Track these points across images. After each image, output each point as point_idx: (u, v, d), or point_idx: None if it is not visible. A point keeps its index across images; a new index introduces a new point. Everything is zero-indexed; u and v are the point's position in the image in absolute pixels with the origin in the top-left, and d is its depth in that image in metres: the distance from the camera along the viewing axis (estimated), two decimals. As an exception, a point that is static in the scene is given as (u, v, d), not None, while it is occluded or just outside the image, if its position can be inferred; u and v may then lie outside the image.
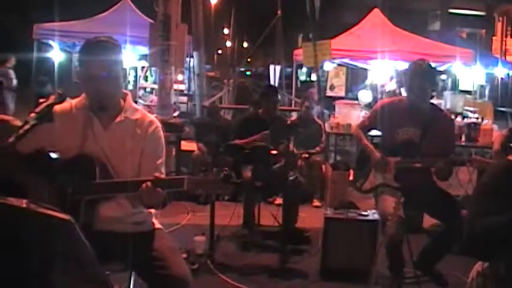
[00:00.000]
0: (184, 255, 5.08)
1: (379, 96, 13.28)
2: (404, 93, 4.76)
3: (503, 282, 2.33)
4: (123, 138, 3.02)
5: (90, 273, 2.00)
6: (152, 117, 3.21)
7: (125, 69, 3.14)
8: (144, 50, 10.96)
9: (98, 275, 2.05)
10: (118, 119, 3.04)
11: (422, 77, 4.52)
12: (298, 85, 20.91)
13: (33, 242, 1.92)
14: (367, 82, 16.42)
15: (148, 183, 2.76)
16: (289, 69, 20.11)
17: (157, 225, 3.22)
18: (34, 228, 1.94)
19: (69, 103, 3.12)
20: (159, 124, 3.18)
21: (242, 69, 28.80)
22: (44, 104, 2.68)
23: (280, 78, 18.84)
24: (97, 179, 2.86)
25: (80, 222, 2.79)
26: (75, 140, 2.97)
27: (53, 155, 2.93)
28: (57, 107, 3.07)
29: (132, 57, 13.71)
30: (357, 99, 13.83)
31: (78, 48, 9.09)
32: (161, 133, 3.16)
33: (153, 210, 3.18)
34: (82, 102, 3.06)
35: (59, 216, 1.95)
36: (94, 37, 3.01)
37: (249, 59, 32.77)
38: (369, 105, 12.24)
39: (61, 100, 2.80)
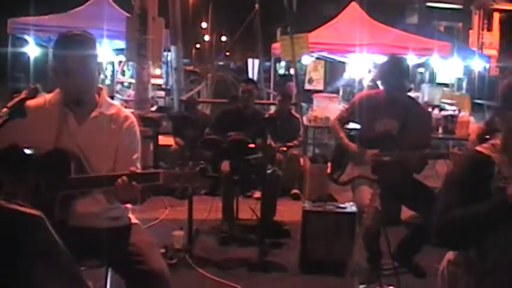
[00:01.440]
0: (163, 250, 5.06)
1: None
2: (380, 86, 4.78)
3: (475, 270, 2.35)
4: (98, 134, 2.99)
5: (63, 268, 1.98)
6: (127, 112, 3.18)
7: (100, 63, 3.09)
8: (121, 44, 10.86)
9: (70, 271, 2.03)
10: (93, 114, 3.00)
11: (397, 74, 4.55)
12: (277, 79, 20.89)
13: (3, 238, 1.89)
14: (346, 75, 16.48)
15: (124, 177, 2.73)
16: (267, 63, 20.09)
17: (134, 220, 3.20)
18: (4, 224, 1.91)
19: (43, 98, 3.08)
20: (134, 119, 3.15)
21: (221, 63, 28.74)
22: (16, 99, 2.64)
23: (258, 72, 18.83)
24: (72, 174, 2.83)
25: (55, 218, 2.75)
26: (50, 136, 2.93)
27: (27, 151, 2.88)
28: (30, 102, 3.02)
29: (109, 51, 13.59)
30: (336, 92, 13.87)
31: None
32: (137, 128, 3.13)
33: (129, 205, 3.16)
34: (56, 97, 3.02)
35: (30, 212, 1.92)
36: (68, 31, 2.97)
37: (227, 53, 32.71)
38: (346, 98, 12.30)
39: (34, 95, 2.76)
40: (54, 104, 3.00)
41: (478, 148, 2.41)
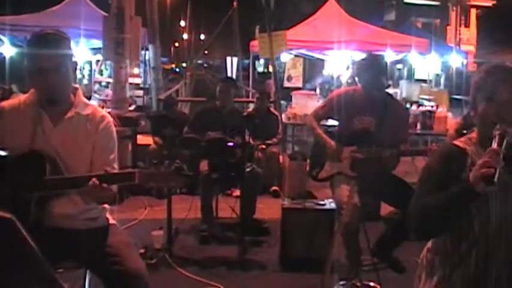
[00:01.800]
0: (142, 251, 5.05)
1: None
2: (358, 84, 4.79)
3: (450, 257, 2.39)
4: (74, 134, 2.96)
5: (36, 271, 1.95)
6: (103, 112, 3.16)
7: (75, 62, 3.06)
8: (99, 43, 10.78)
9: (44, 273, 2.00)
10: (68, 114, 2.98)
11: (375, 72, 4.57)
12: (256, 76, 20.89)
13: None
14: (324, 72, 16.52)
15: (95, 179, 2.70)
16: (246, 61, 20.08)
17: (111, 220, 3.18)
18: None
19: (17, 99, 3.06)
20: (110, 119, 3.12)
21: (200, 61, 28.67)
22: (-11, 101, 2.60)
23: (237, 70, 18.81)
24: (47, 176, 2.80)
25: (31, 219, 2.73)
26: (24, 137, 2.90)
27: (1, 152, 2.85)
28: (4, 103, 3.00)
29: (86, 51, 13.49)
30: (314, 90, 13.91)
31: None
32: (113, 128, 3.11)
33: (107, 206, 3.14)
34: (31, 98, 2.99)
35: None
36: (41, 30, 2.94)
37: (206, 51, 32.64)
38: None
39: (7, 96, 2.73)
40: (29, 105, 2.97)
41: (455, 141, 2.46)
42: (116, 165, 3.02)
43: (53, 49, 2.83)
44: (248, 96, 14.48)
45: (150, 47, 12.91)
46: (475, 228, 2.30)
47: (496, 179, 2.03)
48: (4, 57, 13.55)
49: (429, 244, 2.55)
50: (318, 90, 13.86)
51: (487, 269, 2.31)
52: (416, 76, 21.35)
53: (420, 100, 13.64)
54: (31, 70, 2.87)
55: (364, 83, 4.65)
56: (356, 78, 4.93)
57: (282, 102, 11.06)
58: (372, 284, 4.49)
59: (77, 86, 3.13)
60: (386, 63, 4.81)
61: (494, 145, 2.16)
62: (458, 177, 2.29)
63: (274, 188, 7.87)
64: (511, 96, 2.30)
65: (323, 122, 5.18)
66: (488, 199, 2.25)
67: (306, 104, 9.94)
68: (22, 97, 3.02)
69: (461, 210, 2.25)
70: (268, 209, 6.72)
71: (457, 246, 2.36)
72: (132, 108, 10.50)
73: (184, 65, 28.14)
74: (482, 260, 2.31)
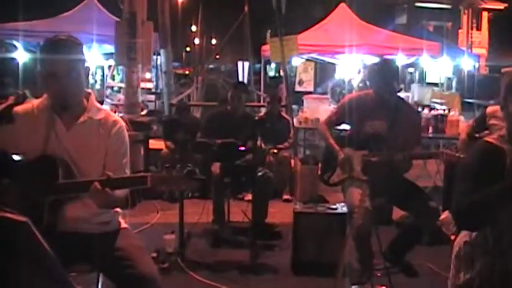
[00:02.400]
0: (154, 255, 5.06)
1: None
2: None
3: (491, 250, 2.54)
4: (87, 139, 2.98)
5: (51, 274, 1.97)
6: (116, 116, 3.18)
7: (88, 67, 3.08)
8: (111, 48, 10.83)
9: (59, 276, 2.02)
10: (81, 119, 2.99)
11: (386, 76, 4.57)
12: (267, 81, 20.89)
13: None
14: (336, 76, 16.49)
15: (96, 183, 2.71)
16: (258, 65, 20.10)
17: (124, 224, 3.19)
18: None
19: (30, 104, 3.08)
20: (123, 123, 3.14)
21: (211, 66, 28.71)
22: (3, 105, 2.64)
23: (248, 74, 18.81)
24: (60, 180, 2.82)
25: (44, 223, 2.74)
26: (38, 141, 2.92)
27: (15, 157, 2.87)
28: (18, 108, 3.02)
29: (98, 56, 13.55)
30: (325, 94, 13.90)
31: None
32: (125, 132, 3.12)
33: (119, 210, 3.15)
34: (44, 103, 3.01)
35: (15, 218, 1.91)
36: (54, 35, 2.97)
37: (217, 56, 32.67)
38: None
39: (21, 101, 2.76)
40: (42, 110, 2.98)
41: (488, 139, 2.61)
42: (127, 170, 3.04)
43: (65, 54, 2.86)
44: (259, 101, 14.49)
45: (162, 51, 12.98)
46: None
47: None
48: (17, 63, 13.63)
49: (465, 237, 2.69)
50: (329, 95, 13.83)
51: None
52: (428, 79, 21.26)
53: (432, 104, 13.58)
54: (44, 75, 2.89)
55: (376, 87, 4.65)
56: (367, 82, 4.93)
57: (294, 106, 11.06)
58: (384, 288, 4.49)
59: (89, 90, 3.15)
60: (397, 67, 4.82)
61: None
62: (498, 175, 2.45)
63: (286, 196, 7.85)
64: None
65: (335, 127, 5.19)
66: None
67: (317, 108, 9.92)
68: (35, 102, 3.05)
69: (508, 204, 2.43)
70: (280, 213, 6.72)
71: (498, 239, 2.52)
72: (144, 112, 10.54)
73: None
74: None
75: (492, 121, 4.92)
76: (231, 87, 6.91)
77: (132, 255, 2.95)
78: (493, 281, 2.53)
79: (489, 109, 5.11)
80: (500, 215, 2.47)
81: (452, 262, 2.75)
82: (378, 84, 4.63)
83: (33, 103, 3.05)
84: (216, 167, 5.87)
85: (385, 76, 4.58)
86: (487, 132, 4.72)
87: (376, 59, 12.55)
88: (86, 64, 3.04)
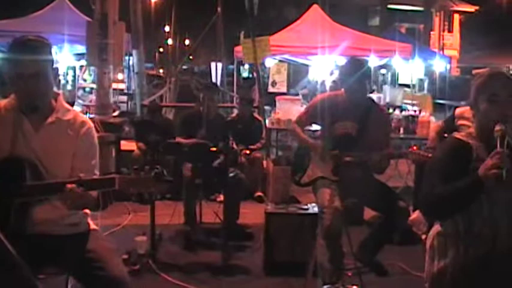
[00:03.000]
0: (126, 256, 5.03)
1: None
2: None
3: (463, 238, 2.74)
4: (55, 140, 2.95)
5: (15, 275, 1.94)
6: (85, 117, 3.15)
7: (57, 68, 3.06)
8: (82, 49, 10.75)
9: (24, 279, 1.99)
10: (49, 119, 2.97)
11: (358, 76, 4.58)
12: (241, 82, 20.89)
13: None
14: (311, 78, 16.53)
15: (73, 184, 2.70)
16: (231, 66, 20.08)
17: (93, 226, 3.17)
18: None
19: None
20: (91, 124, 3.12)
21: (184, 67, 28.60)
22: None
23: (222, 75, 18.78)
24: (28, 181, 2.79)
25: (11, 225, 2.71)
26: (5, 142, 2.89)
27: None
28: (-15, 109, 2.98)
29: (69, 56, 13.43)
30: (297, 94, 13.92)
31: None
32: (94, 133, 3.10)
33: (88, 211, 3.13)
34: (11, 103, 2.97)
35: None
36: (21, 36, 2.94)
37: (191, 57, 32.55)
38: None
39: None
40: (9, 110, 2.95)
41: (457, 136, 2.83)
42: (97, 171, 3.01)
43: (33, 55, 2.83)
44: (232, 102, 14.49)
45: (134, 52, 12.92)
46: (484, 211, 2.67)
47: (504, 177, 2.45)
48: (-14, 63, 13.43)
49: (438, 228, 2.88)
50: (300, 96, 13.86)
51: (496, 244, 2.67)
52: (400, 81, 21.41)
53: (403, 105, 13.71)
54: (11, 76, 2.86)
55: (347, 87, 4.67)
56: (338, 83, 4.96)
57: (266, 107, 11.07)
58: (355, 287, 4.51)
59: (58, 91, 3.13)
60: (369, 68, 4.84)
61: (498, 146, 2.54)
62: (465, 169, 2.66)
63: (258, 193, 7.87)
64: (510, 98, 2.71)
65: (307, 128, 5.19)
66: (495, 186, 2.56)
67: (289, 109, 9.93)
68: (2, 102, 3.01)
69: (473, 197, 2.63)
70: (251, 214, 6.71)
71: (468, 227, 2.71)
72: (116, 114, 10.48)
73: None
74: (492, 237, 2.68)
75: (461, 122, 4.98)
76: (202, 88, 6.88)
77: (102, 257, 2.93)
78: (466, 267, 2.70)
79: (458, 110, 5.17)
80: (467, 204, 2.67)
81: (427, 253, 2.92)
82: (349, 83, 4.64)
83: (0, 103, 3.02)
84: (187, 169, 5.86)
85: (357, 76, 4.59)
86: (455, 132, 4.78)
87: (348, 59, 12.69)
88: (55, 65, 3.02)
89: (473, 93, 2.81)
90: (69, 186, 2.69)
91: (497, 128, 2.61)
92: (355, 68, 4.64)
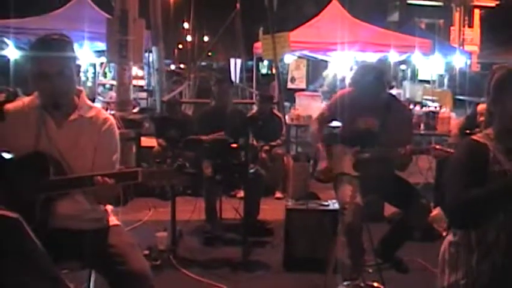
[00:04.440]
0: (147, 252, 5.05)
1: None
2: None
3: (476, 248, 2.51)
4: (78, 136, 2.98)
5: (42, 270, 1.97)
6: (107, 114, 3.18)
7: (79, 65, 3.09)
8: (102, 46, 10.80)
9: (50, 273, 2.02)
10: (72, 117, 2.99)
11: (368, 82, 4.58)
12: (260, 78, 20.90)
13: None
14: (324, 74, 16.47)
15: (99, 177, 2.73)
16: (250, 63, 20.08)
17: (115, 221, 3.19)
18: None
19: (21, 102, 3.07)
20: (113, 121, 3.14)
21: (203, 63, 28.68)
22: (-6, 103, 2.62)
23: (241, 71, 18.80)
24: (51, 177, 2.82)
25: (36, 220, 2.75)
26: (29, 139, 2.92)
27: (6, 155, 2.87)
28: (9, 106, 3.02)
29: (90, 53, 13.52)
30: (316, 91, 13.89)
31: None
32: (115, 129, 3.13)
33: (110, 207, 3.16)
34: (34, 101, 3.00)
35: (6, 214, 1.92)
36: (45, 34, 2.97)
37: (209, 53, 32.66)
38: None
39: (12, 98, 2.75)
40: (33, 108, 2.98)
41: (473, 137, 2.62)
42: (117, 167, 3.04)
43: (56, 53, 2.86)
44: (252, 98, 14.49)
45: (154, 49, 12.96)
46: (500, 217, 2.44)
47: None
48: (8, 60, 13.55)
49: (450, 238, 2.67)
50: (320, 93, 13.83)
51: None
52: (420, 77, 21.33)
53: (424, 101, 13.65)
54: (35, 74, 2.89)
55: (360, 89, 4.68)
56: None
57: (286, 103, 11.07)
58: (375, 284, 4.49)
59: (80, 88, 3.15)
60: (381, 71, 4.79)
61: None
62: (483, 171, 2.47)
63: (278, 195, 7.87)
64: None
65: (328, 124, 5.19)
66: None
67: (309, 105, 9.93)
68: (26, 100, 3.04)
69: (506, 204, 2.42)
70: (272, 210, 6.72)
71: (482, 236, 2.48)
72: (136, 110, 10.51)
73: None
74: (508, 249, 2.44)
75: (483, 118, 4.95)
76: (215, 83, 6.89)
77: (124, 251, 2.95)
78: (479, 281, 2.50)
79: (480, 107, 5.13)
80: (499, 211, 2.47)
81: (439, 266, 2.73)
82: (360, 88, 4.66)
83: (23, 101, 3.05)
84: (207, 166, 5.87)
85: (365, 81, 4.60)
86: (477, 129, 4.75)
87: (368, 56, 12.66)
88: (77, 62, 3.05)
89: (495, 89, 2.58)
90: (100, 178, 2.72)
91: None
92: (364, 73, 4.65)
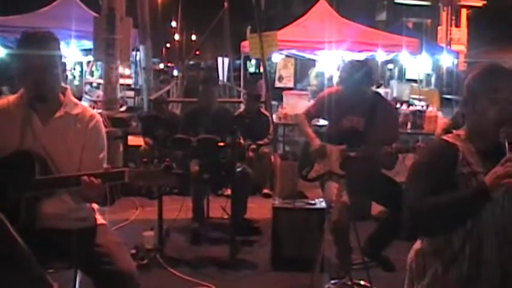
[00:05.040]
0: (133, 251, 5.03)
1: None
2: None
3: (442, 256, 2.40)
4: (64, 134, 2.96)
5: (25, 268, 1.96)
6: (93, 111, 3.16)
7: (64, 63, 3.08)
8: (90, 44, 10.75)
9: (33, 271, 2.00)
10: (57, 114, 2.98)
11: (357, 79, 4.59)
12: (247, 77, 20.87)
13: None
14: (309, 71, 16.47)
15: (90, 176, 2.72)
16: (238, 61, 20.08)
17: (101, 220, 3.17)
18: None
19: (6, 99, 3.05)
20: (100, 118, 3.13)
21: (191, 62, 28.63)
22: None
23: (228, 70, 18.79)
24: (37, 176, 2.80)
25: (21, 220, 2.73)
26: (14, 137, 2.90)
27: None
28: (-7, 104, 2.99)
29: (77, 52, 13.45)
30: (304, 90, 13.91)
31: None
32: (102, 127, 3.12)
33: (96, 206, 3.14)
34: (20, 98, 2.98)
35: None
36: (30, 30, 2.96)
37: (197, 52, 32.59)
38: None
39: (-5, 96, 2.73)
40: (18, 105, 2.97)
41: (443, 137, 2.49)
42: (105, 165, 3.02)
43: (42, 49, 2.86)
44: (239, 97, 14.49)
45: (141, 47, 12.93)
46: (467, 225, 2.32)
47: None
48: (-5, 58, 13.49)
49: (417, 246, 2.56)
50: (309, 92, 13.83)
51: (480, 266, 2.33)
52: (407, 76, 21.40)
53: (411, 100, 13.69)
54: (21, 69, 2.89)
55: (345, 88, 4.69)
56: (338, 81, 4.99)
57: (273, 102, 11.07)
58: (362, 282, 4.51)
59: (66, 86, 3.13)
60: (369, 69, 4.80)
61: (507, 152, 2.20)
62: (450, 173, 2.34)
63: (265, 191, 7.88)
64: None
65: (314, 122, 5.20)
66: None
67: (297, 104, 9.94)
68: (11, 97, 3.03)
69: (474, 212, 2.29)
70: (259, 209, 6.72)
71: (449, 241, 2.37)
72: (123, 109, 10.49)
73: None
74: (475, 257, 2.33)
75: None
76: (200, 81, 6.88)
77: (111, 251, 2.93)
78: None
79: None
80: (463, 220, 2.33)
81: (407, 276, 2.61)
82: (347, 85, 4.67)
83: (8, 98, 3.03)
84: (194, 165, 5.86)
85: (354, 78, 4.61)
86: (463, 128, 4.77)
87: (356, 55, 12.68)
88: (63, 60, 3.04)
89: (466, 90, 2.45)
90: (84, 178, 2.71)
91: (502, 130, 2.28)
92: (351, 70, 4.66)
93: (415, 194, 2.38)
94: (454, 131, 2.50)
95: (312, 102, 5.96)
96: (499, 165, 2.18)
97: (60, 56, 3.01)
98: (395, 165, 4.65)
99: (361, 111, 4.57)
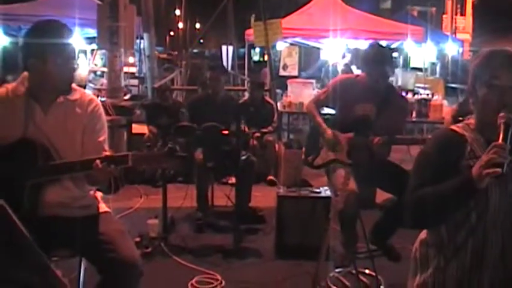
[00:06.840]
0: (138, 239, 5.04)
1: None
2: (356, 71, 4.77)
3: (445, 249, 2.36)
4: (64, 120, 2.97)
5: (27, 256, 1.94)
6: (91, 95, 3.20)
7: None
8: (93, 32, 10.74)
9: (36, 259, 1.99)
10: (57, 100, 2.97)
11: (380, 62, 4.52)
12: (252, 65, 20.79)
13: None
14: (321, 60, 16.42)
15: (98, 160, 2.72)
16: (242, 50, 19.99)
17: (104, 208, 3.17)
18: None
19: (5, 88, 3.03)
20: (98, 102, 3.16)
21: (195, 50, 28.55)
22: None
23: (233, 58, 18.72)
24: (39, 163, 2.79)
25: (25, 208, 2.72)
26: (16, 127, 2.89)
27: None
28: (-6, 93, 2.98)
29: (80, 40, 13.41)
30: (309, 78, 13.85)
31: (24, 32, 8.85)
32: (102, 111, 3.12)
33: (100, 194, 3.13)
34: (19, 88, 2.97)
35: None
36: (45, 20, 3.01)
37: (201, 40, 32.51)
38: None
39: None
40: (18, 94, 2.95)
41: (452, 127, 2.41)
42: (106, 147, 3.01)
43: (67, 38, 2.93)
44: (244, 85, 14.43)
45: (145, 35, 12.85)
46: (472, 218, 2.26)
47: (504, 172, 2.00)
48: (-3, 47, 13.46)
49: (422, 236, 2.52)
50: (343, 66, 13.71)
51: (483, 260, 2.28)
52: (412, 64, 21.26)
53: (416, 88, 13.63)
54: (45, 59, 2.86)
55: (369, 72, 4.60)
56: (353, 67, 4.92)
57: (278, 90, 11.04)
58: (367, 271, 4.50)
59: None
60: (391, 53, 4.76)
61: (500, 138, 2.11)
62: (456, 165, 2.26)
63: (270, 177, 7.87)
64: None
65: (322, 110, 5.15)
66: (487, 189, 2.19)
67: (301, 93, 9.92)
68: (10, 86, 3.01)
69: (461, 204, 2.22)
70: (263, 197, 6.71)
71: (453, 236, 2.32)
72: (127, 97, 10.47)
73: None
74: (478, 251, 2.28)
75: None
76: (208, 70, 6.86)
77: (114, 239, 2.91)
78: (447, 283, 2.35)
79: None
80: (456, 212, 2.27)
81: (411, 263, 2.56)
82: (371, 68, 4.58)
83: (7, 87, 3.02)
84: (199, 152, 5.84)
85: (379, 61, 4.52)
86: (470, 116, 4.72)
87: (360, 43, 12.63)
88: None
89: (471, 77, 2.36)
90: (99, 161, 2.71)
91: (501, 115, 2.18)
92: (378, 53, 4.58)
93: (413, 185, 2.32)
94: (465, 120, 2.42)
95: (321, 90, 5.90)
96: (485, 153, 2.09)
97: None
98: (400, 154, 4.60)
99: (375, 100, 4.49)
